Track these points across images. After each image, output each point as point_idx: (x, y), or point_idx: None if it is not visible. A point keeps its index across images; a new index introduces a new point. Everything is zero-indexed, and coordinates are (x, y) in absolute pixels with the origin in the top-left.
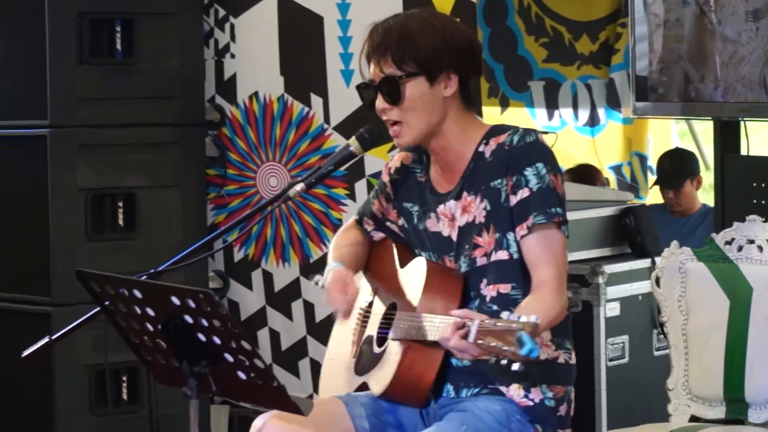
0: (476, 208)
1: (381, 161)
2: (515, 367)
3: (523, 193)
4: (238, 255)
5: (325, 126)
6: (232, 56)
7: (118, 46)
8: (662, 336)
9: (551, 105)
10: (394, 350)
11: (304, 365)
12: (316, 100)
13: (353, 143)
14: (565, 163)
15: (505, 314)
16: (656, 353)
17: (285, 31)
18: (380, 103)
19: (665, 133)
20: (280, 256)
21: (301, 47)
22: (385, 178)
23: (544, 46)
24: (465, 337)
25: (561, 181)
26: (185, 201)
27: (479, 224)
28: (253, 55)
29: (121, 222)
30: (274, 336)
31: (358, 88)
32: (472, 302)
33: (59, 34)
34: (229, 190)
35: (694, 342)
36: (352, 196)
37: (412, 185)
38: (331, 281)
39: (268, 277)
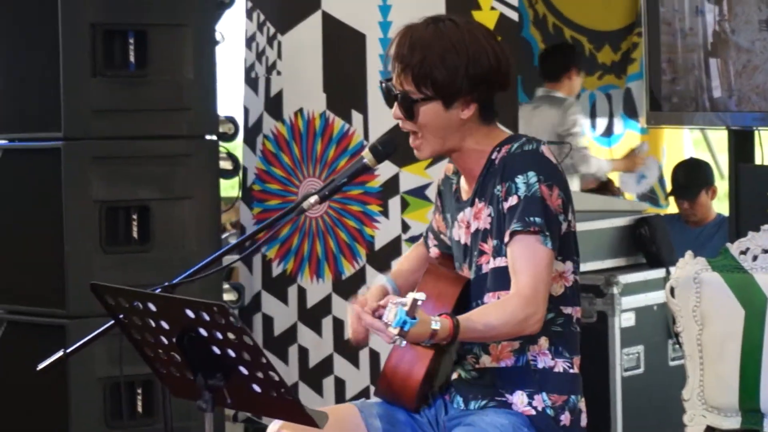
0: (484, 215)
1: (417, 177)
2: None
3: (513, 200)
4: (276, 270)
5: (365, 143)
6: (278, 73)
7: (132, 58)
8: (677, 346)
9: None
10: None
11: (328, 383)
12: (357, 117)
13: (367, 155)
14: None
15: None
16: (671, 363)
17: (328, 49)
18: (396, 112)
19: (678, 143)
20: (315, 272)
21: (344, 64)
22: (436, 190)
23: None
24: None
25: (557, 193)
26: (199, 213)
27: (485, 231)
28: (299, 71)
29: (135, 234)
30: (303, 353)
31: (381, 83)
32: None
33: (72, 46)
34: (271, 205)
35: (709, 352)
36: (385, 213)
37: (450, 195)
38: (356, 311)
39: (302, 293)
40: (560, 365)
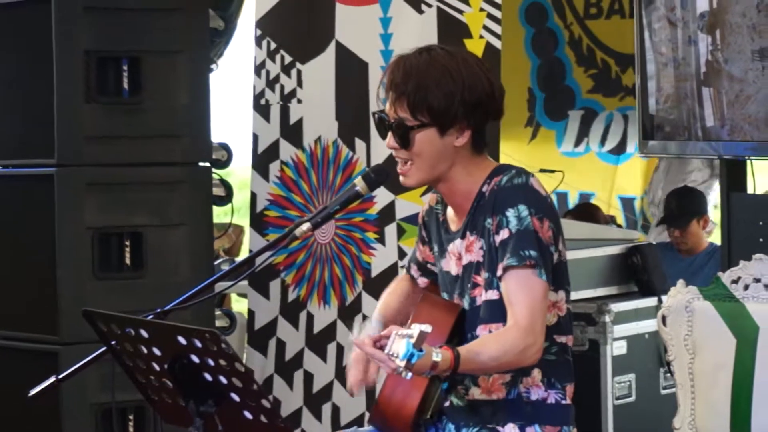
0: (476, 248)
1: (412, 205)
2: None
3: (504, 234)
4: (291, 295)
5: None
6: (299, 101)
7: (125, 85)
8: (669, 374)
9: (582, 133)
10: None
11: (326, 409)
12: (360, 145)
13: (359, 183)
14: (576, 185)
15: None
16: (663, 392)
17: (340, 77)
18: (390, 141)
19: None
20: (322, 297)
21: (351, 93)
22: (420, 221)
23: (591, 77)
24: (382, 349)
25: (548, 225)
26: (192, 240)
27: (478, 263)
28: (317, 100)
29: (128, 261)
30: (308, 378)
31: (374, 114)
32: (467, 341)
33: (66, 72)
34: None
35: (700, 381)
36: (381, 240)
37: (436, 226)
38: (356, 357)
39: (310, 319)
40: (553, 396)
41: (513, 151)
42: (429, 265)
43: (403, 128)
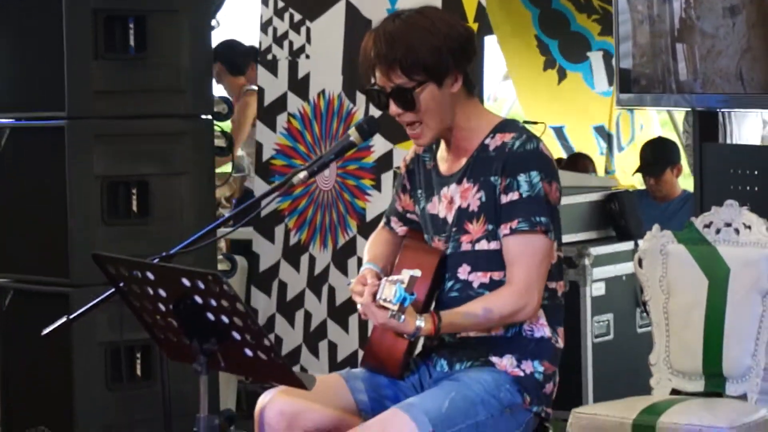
0: (472, 197)
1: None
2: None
3: (513, 196)
4: (293, 239)
5: None
6: (307, 57)
7: (131, 42)
8: (645, 314)
9: (610, 72)
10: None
11: (323, 346)
12: (360, 98)
13: (353, 133)
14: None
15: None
16: (639, 330)
17: (348, 35)
18: (394, 108)
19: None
20: (322, 242)
21: (357, 50)
22: (403, 170)
23: (597, 21)
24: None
25: (556, 187)
26: (195, 188)
27: (472, 212)
28: (324, 56)
29: (135, 208)
30: (308, 317)
31: (368, 91)
32: (446, 282)
33: (75, 30)
34: None
35: (674, 320)
36: (377, 186)
37: (423, 172)
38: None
39: (312, 261)
40: (554, 338)
41: (540, 97)
42: (409, 214)
43: (403, 92)
